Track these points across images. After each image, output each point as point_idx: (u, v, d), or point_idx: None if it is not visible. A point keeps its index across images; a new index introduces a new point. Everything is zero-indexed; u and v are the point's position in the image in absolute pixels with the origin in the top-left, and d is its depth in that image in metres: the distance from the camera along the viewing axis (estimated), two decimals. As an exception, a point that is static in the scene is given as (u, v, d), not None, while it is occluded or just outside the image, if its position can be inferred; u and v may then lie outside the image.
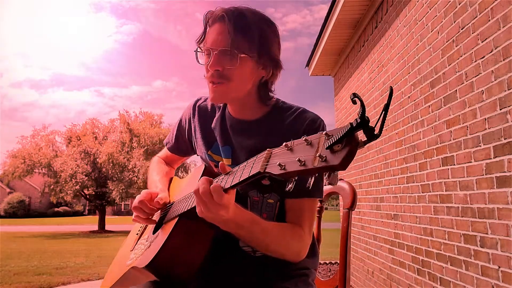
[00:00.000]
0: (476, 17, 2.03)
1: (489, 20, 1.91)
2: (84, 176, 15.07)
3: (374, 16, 3.78)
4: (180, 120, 1.15)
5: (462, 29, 2.18)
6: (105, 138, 16.82)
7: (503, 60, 1.79)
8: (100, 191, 15.90)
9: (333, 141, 0.48)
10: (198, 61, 0.94)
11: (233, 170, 0.71)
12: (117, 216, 34.83)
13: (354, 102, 0.48)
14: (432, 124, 2.54)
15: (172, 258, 0.83)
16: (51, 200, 17.17)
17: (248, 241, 0.87)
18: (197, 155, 1.11)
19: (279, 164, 0.55)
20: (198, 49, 0.94)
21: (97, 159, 15.27)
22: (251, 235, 0.84)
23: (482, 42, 1.98)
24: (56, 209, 33.42)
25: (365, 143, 0.48)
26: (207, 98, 1.11)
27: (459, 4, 2.21)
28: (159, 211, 1.04)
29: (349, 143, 0.47)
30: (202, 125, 1.07)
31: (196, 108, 1.09)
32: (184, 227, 0.84)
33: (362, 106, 0.46)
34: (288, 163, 0.54)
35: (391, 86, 0.50)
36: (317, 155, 0.50)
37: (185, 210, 0.83)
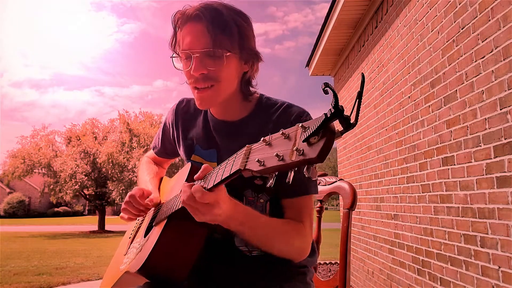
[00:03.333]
0: (476, 17, 2.03)
1: (489, 20, 1.91)
2: (83, 176, 15.06)
3: (374, 16, 3.78)
4: (164, 124, 1.13)
5: (462, 29, 2.18)
6: (105, 138, 16.80)
7: (503, 60, 1.79)
8: (100, 191, 15.89)
9: (309, 133, 0.46)
10: (175, 67, 0.89)
11: (215, 168, 0.70)
12: (117, 216, 34.80)
13: (326, 92, 0.46)
14: (432, 124, 2.54)
15: (163, 260, 0.82)
16: (51, 200, 17.16)
17: (251, 238, 0.84)
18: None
19: (258, 160, 0.53)
20: (174, 54, 0.89)
21: (97, 159, 15.26)
22: (254, 231, 0.82)
23: (482, 42, 1.98)
24: (56, 209, 33.40)
25: (342, 133, 0.47)
26: (189, 100, 1.07)
27: (459, 4, 2.21)
28: (151, 212, 1.03)
29: (325, 134, 0.45)
30: (184, 129, 1.04)
31: (179, 112, 1.06)
32: (174, 228, 0.83)
33: (335, 95, 0.45)
34: (267, 158, 0.52)
35: (362, 73, 0.49)
36: (294, 148, 0.48)
37: (173, 211, 0.81)
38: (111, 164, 15.07)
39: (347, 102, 4.91)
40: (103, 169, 15.39)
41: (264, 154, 0.53)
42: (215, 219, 0.74)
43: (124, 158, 15.33)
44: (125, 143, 15.84)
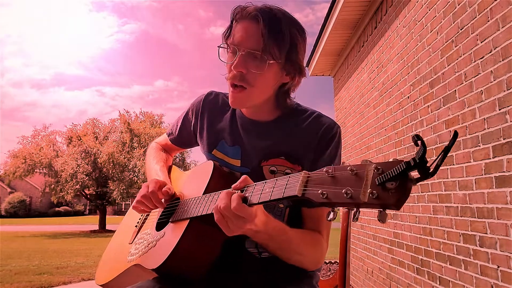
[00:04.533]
0: (475, 17, 2.04)
1: (488, 21, 1.92)
2: (84, 176, 15.08)
3: (374, 16, 3.78)
4: (187, 113, 1.11)
5: (461, 29, 2.18)
6: (106, 138, 16.82)
7: (502, 60, 1.80)
8: (100, 190, 15.91)
9: (387, 178, 0.46)
10: (220, 58, 0.90)
11: (259, 184, 0.69)
12: (117, 216, 34.85)
13: (417, 144, 0.46)
14: (431, 124, 2.55)
15: (182, 262, 0.81)
16: (52, 200, 17.16)
17: (274, 251, 0.85)
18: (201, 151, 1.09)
19: (322, 193, 0.52)
20: (222, 45, 0.89)
21: (98, 159, 15.28)
22: (279, 245, 0.83)
23: (481, 42, 1.99)
24: (57, 208, 33.42)
25: (417, 181, 0.46)
26: (218, 94, 1.07)
27: (458, 5, 2.22)
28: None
29: (404, 182, 0.45)
30: (210, 122, 1.03)
31: (206, 103, 1.05)
32: (196, 231, 0.82)
33: (424, 147, 0.45)
34: (331, 192, 0.51)
35: (455, 131, 0.49)
36: (367, 190, 0.48)
37: (200, 214, 0.80)
38: (112, 164, 15.09)
39: (346, 102, 4.92)
40: (104, 169, 15.41)
41: (327, 187, 0.52)
42: (245, 232, 0.73)
43: (124, 158, 15.35)
44: (126, 143, 15.87)
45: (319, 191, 0.53)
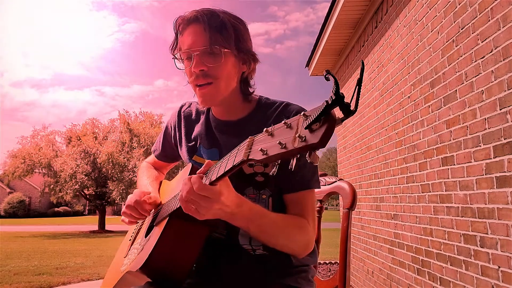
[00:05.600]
0: (476, 17, 2.04)
1: (489, 20, 1.91)
2: (84, 176, 15.08)
3: (374, 16, 3.78)
4: (166, 127, 1.16)
5: (462, 29, 2.18)
6: (105, 138, 16.82)
7: (503, 60, 1.80)
8: (100, 191, 15.90)
9: (311, 120, 0.48)
10: (177, 67, 0.95)
11: (218, 162, 0.71)
12: (117, 216, 34.83)
13: (328, 79, 0.48)
14: (432, 124, 2.54)
15: (165, 258, 0.83)
16: (51, 200, 17.18)
17: (256, 235, 0.86)
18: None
19: (261, 150, 0.54)
20: (176, 55, 0.95)
21: (97, 159, 15.27)
22: (260, 228, 0.83)
23: (482, 42, 1.98)
24: (56, 209, 33.42)
25: (342, 120, 0.48)
26: (191, 104, 1.12)
27: (459, 4, 2.21)
28: (151, 213, 1.04)
29: (326, 120, 0.47)
30: (187, 130, 1.07)
31: (181, 115, 1.10)
32: (175, 226, 0.84)
33: (336, 83, 0.46)
34: (270, 147, 0.53)
35: (362, 60, 0.50)
36: (296, 135, 0.50)
37: (175, 208, 0.82)
38: (111, 164, 15.08)
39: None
40: (103, 169, 15.40)
41: (267, 143, 0.55)
42: (217, 214, 0.74)
43: (124, 158, 15.34)
44: (125, 143, 15.85)
45: (259, 149, 0.55)
